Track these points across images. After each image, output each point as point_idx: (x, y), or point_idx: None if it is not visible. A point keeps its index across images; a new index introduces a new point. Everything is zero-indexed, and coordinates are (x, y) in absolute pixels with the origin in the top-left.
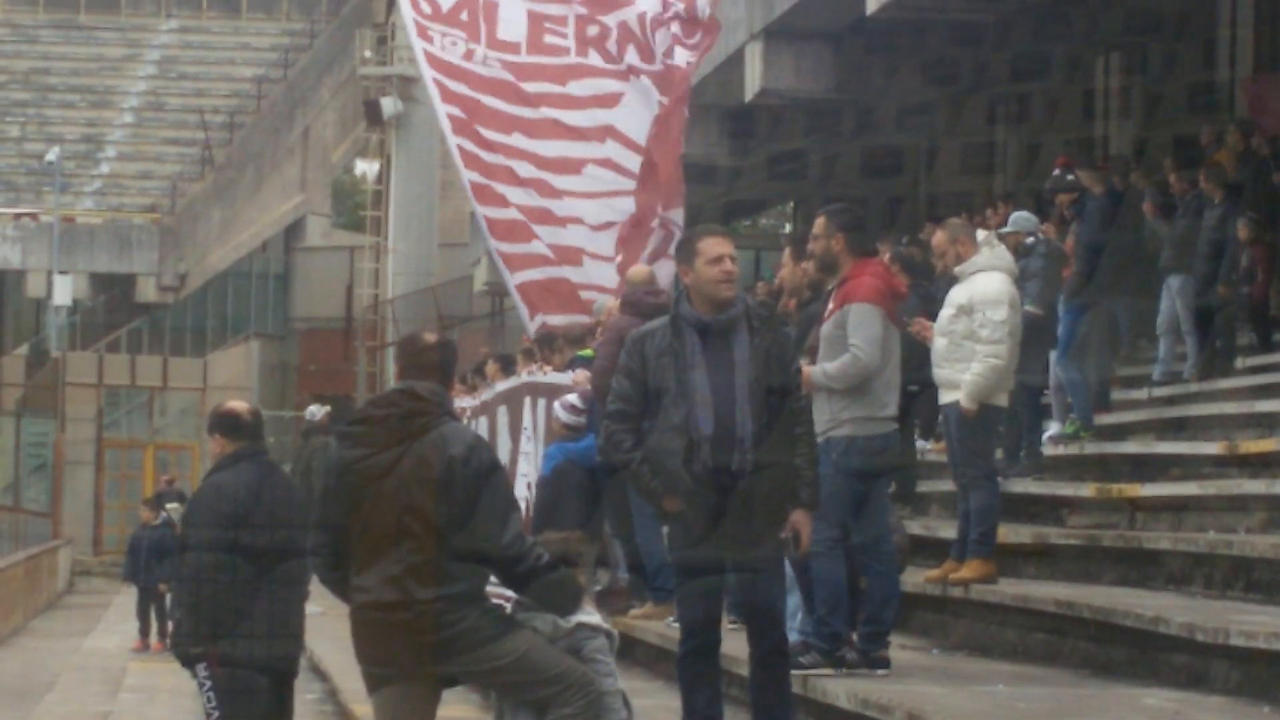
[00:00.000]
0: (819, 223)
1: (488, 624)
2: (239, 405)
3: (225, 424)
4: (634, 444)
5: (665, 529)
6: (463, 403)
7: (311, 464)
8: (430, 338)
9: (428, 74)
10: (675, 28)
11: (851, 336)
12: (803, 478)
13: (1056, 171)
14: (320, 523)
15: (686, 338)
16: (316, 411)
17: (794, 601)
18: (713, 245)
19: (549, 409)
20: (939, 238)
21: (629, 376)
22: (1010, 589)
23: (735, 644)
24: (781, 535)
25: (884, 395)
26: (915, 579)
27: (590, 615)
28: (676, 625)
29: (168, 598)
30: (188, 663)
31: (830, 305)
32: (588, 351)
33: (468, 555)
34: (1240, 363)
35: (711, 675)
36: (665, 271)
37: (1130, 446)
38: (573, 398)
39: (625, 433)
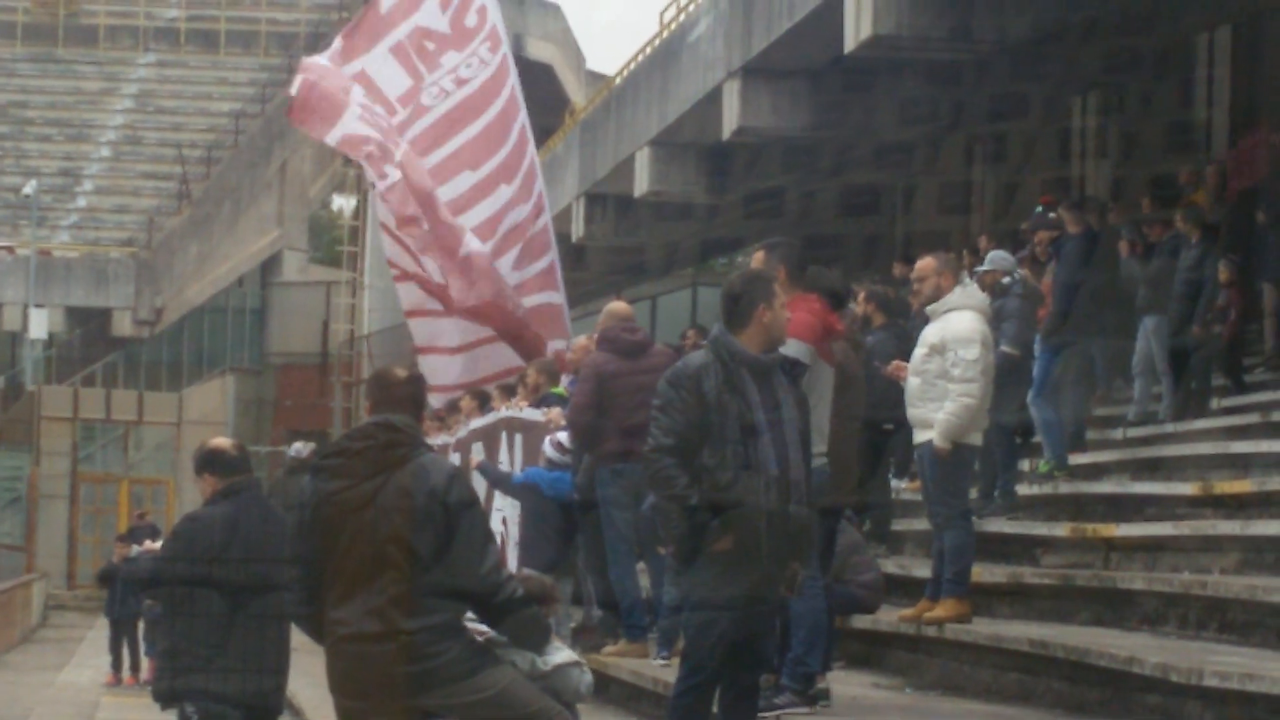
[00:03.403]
0: (758, 256)
1: (468, 657)
2: (223, 442)
3: (213, 462)
4: (689, 481)
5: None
6: (437, 440)
7: (299, 499)
8: (401, 372)
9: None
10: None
11: None
12: (812, 520)
13: (1039, 209)
14: (294, 558)
15: (743, 376)
16: (302, 449)
17: None
18: (782, 290)
19: (526, 444)
20: (927, 261)
21: (684, 413)
22: (984, 628)
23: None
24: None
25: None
26: (890, 618)
27: (565, 653)
28: (664, 662)
29: (140, 631)
30: (171, 699)
31: None
32: (560, 389)
33: (446, 587)
34: (1215, 404)
35: (706, 712)
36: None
37: (1105, 486)
38: (562, 436)
39: (678, 469)
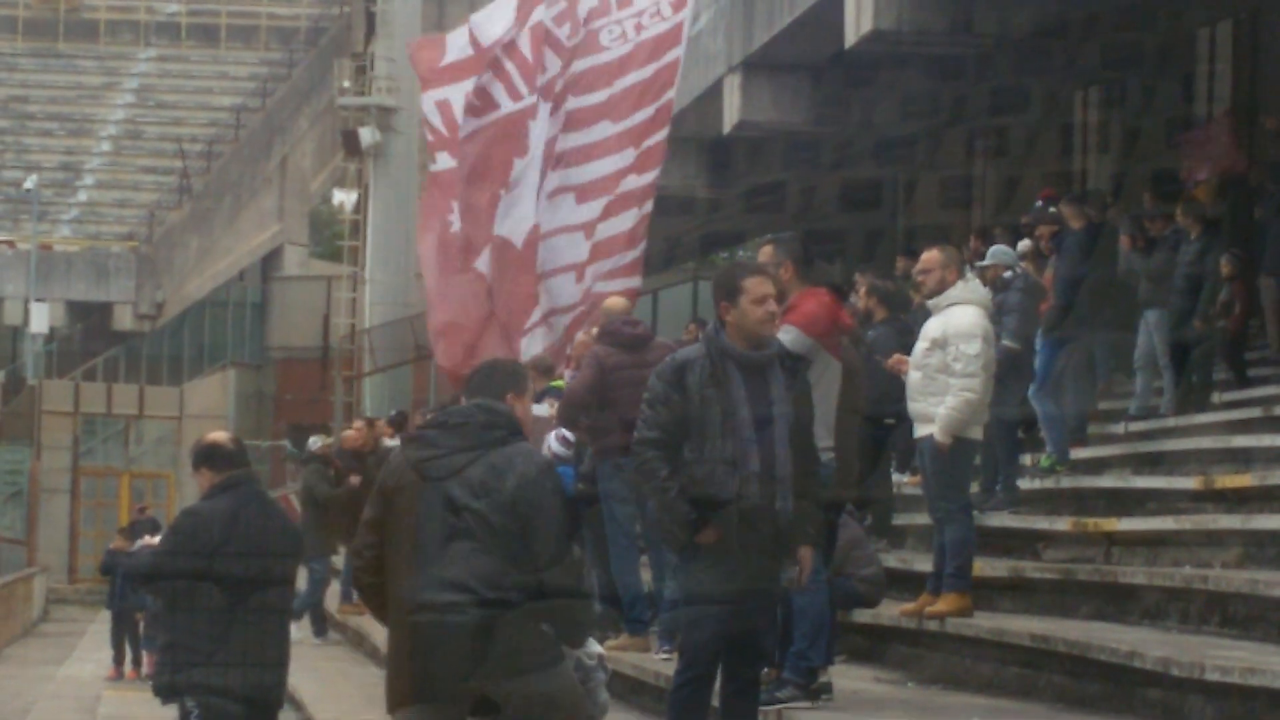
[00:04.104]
0: (766, 250)
1: (544, 648)
2: (219, 436)
3: (210, 456)
4: (670, 473)
5: (677, 558)
6: None
7: (314, 492)
8: (504, 362)
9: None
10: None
11: None
12: (810, 515)
13: (1039, 203)
14: (370, 522)
15: (730, 371)
16: (316, 441)
17: None
18: (757, 285)
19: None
20: (933, 254)
21: (667, 405)
22: (986, 623)
23: None
24: (792, 568)
25: (816, 426)
26: (891, 612)
27: (598, 646)
28: (665, 656)
29: (141, 625)
30: (171, 693)
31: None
32: (559, 383)
33: (521, 569)
34: (1217, 398)
35: (705, 705)
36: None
37: (1106, 481)
38: (566, 430)
39: (661, 461)
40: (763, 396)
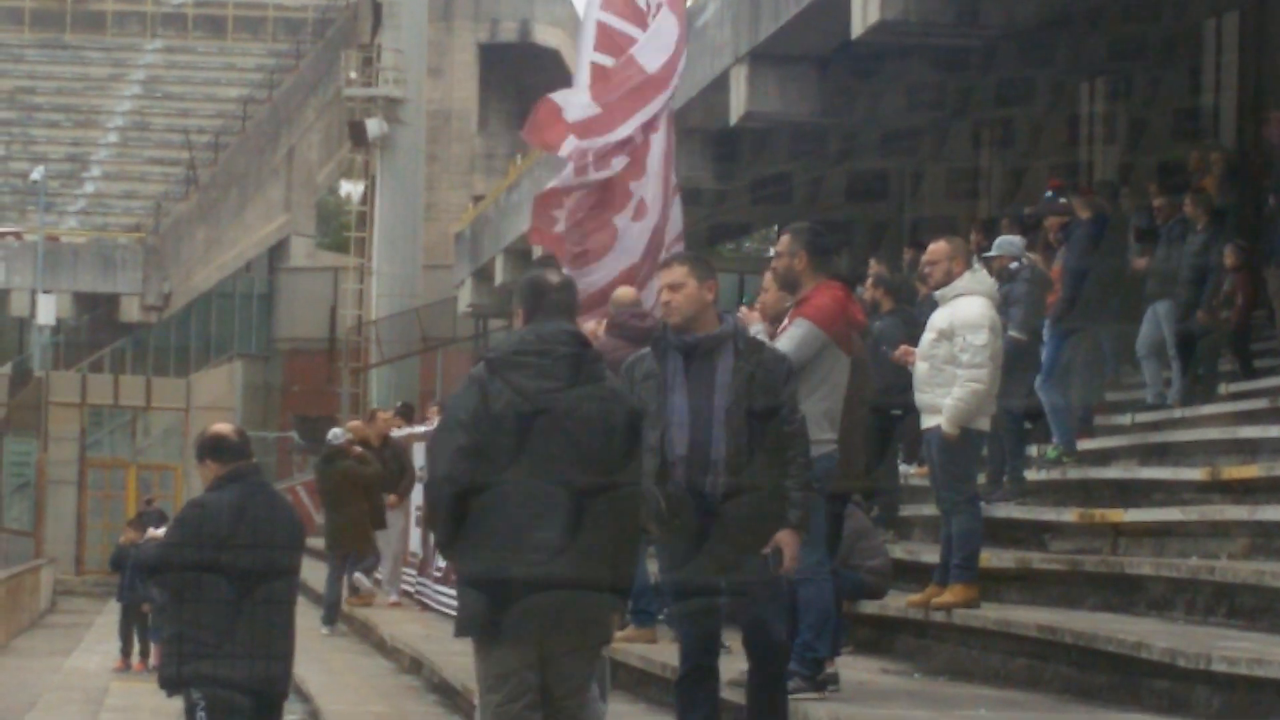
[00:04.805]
0: (783, 240)
1: (613, 597)
2: (224, 427)
3: (215, 448)
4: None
5: (651, 550)
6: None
7: (334, 482)
8: (554, 278)
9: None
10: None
11: (782, 344)
12: (790, 500)
13: (1048, 194)
14: (468, 450)
15: (669, 361)
16: (339, 434)
17: None
18: (661, 276)
19: None
20: (939, 245)
21: None
22: (992, 614)
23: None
24: (763, 551)
25: (820, 419)
26: (898, 603)
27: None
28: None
29: (150, 617)
30: (177, 685)
31: (785, 323)
32: None
33: (618, 503)
34: (1223, 389)
35: (707, 698)
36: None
37: (1113, 472)
38: None
39: None
40: (706, 383)
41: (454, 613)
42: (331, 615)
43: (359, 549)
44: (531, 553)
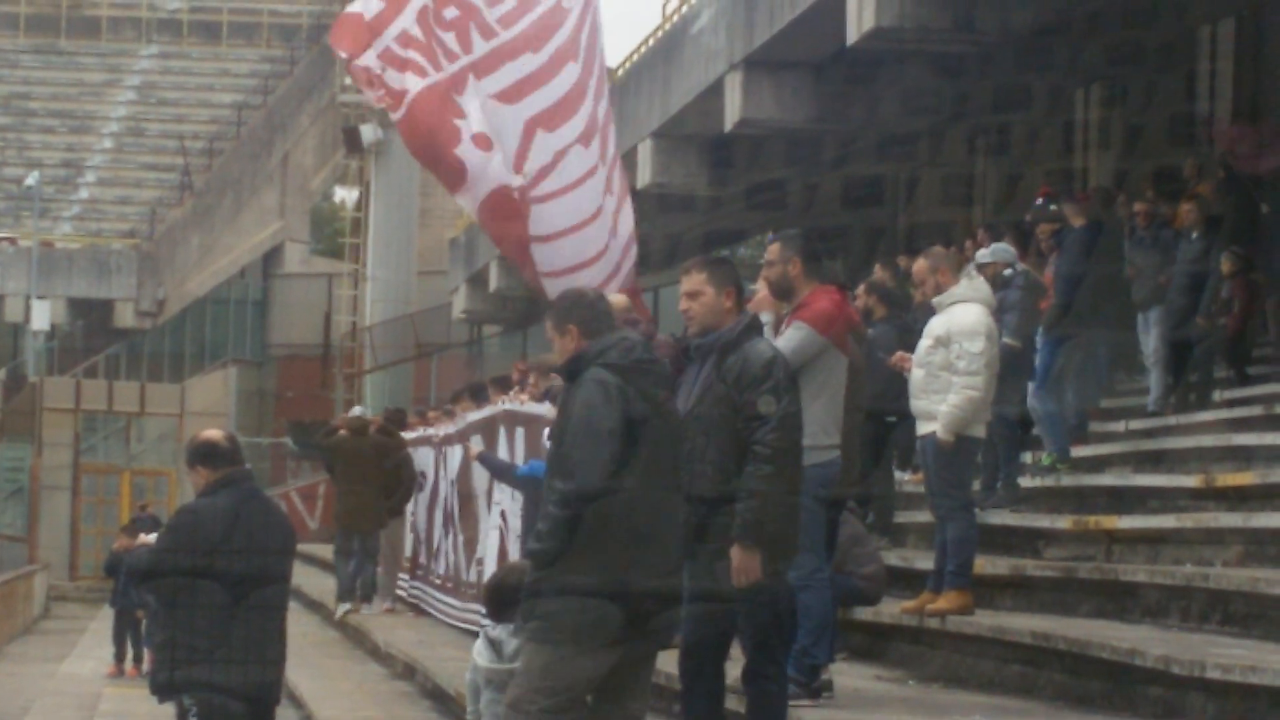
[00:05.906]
0: (774, 248)
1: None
2: (214, 433)
3: (205, 454)
4: None
5: None
6: (443, 430)
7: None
8: (591, 292)
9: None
10: None
11: (779, 347)
12: (739, 510)
13: (1039, 201)
14: (616, 458)
15: (686, 363)
16: (363, 411)
17: None
18: (680, 281)
19: (527, 438)
20: (919, 265)
21: None
22: (987, 620)
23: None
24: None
25: (824, 423)
26: (892, 610)
27: None
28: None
29: (143, 623)
30: (169, 691)
31: (783, 327)
32: None
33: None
34: (1218, 396)
35: (710, 709)
36: None
37: (1107, 479)
38: None
39: None
40: (689, 388)
41: (450, 620)
42: (346, 593)
43: (365, 529)
44: (654, 560)
